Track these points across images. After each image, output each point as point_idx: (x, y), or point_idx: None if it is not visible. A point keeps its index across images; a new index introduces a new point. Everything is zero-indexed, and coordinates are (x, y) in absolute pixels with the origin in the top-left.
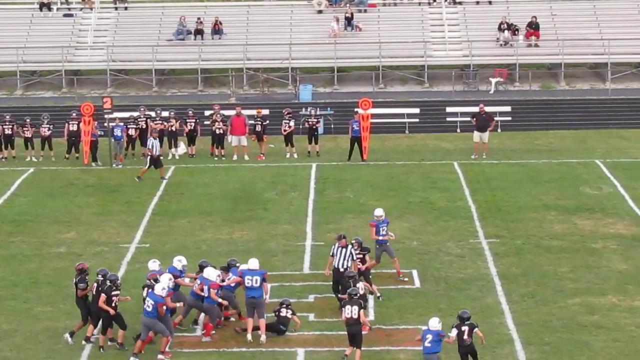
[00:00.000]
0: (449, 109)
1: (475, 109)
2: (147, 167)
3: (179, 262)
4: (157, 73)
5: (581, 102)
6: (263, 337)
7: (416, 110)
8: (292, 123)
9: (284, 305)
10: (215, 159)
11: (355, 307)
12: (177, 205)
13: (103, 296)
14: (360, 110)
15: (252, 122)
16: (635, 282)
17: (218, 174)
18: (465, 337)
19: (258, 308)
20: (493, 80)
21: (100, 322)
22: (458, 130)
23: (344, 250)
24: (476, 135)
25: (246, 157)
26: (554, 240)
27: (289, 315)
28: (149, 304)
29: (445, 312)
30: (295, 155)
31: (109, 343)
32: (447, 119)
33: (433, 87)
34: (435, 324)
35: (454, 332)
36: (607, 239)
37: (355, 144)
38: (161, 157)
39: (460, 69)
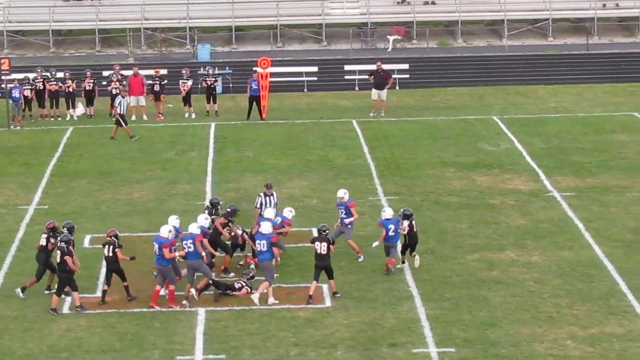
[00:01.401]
0: (347, 67)
1: (373, 67)
2: (125, 125)
3: (177, 219)
4: (54, 34)
5: (478, 59)
6: (271, 300)
7: (314, 69)
8: (190, 83)
9: (244, 280)
10: (114, 119)
11: (324, 243)
12: (75, 166)
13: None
14: (259, 69)
15: (150, 82)
16: (532, 238)
17: (117, 134)
18: (415, 230)
19: (264, 271)
20: (391, 38)
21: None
22: (356, 89)
23: (271, 198)
24: (374, 93)
25: (145, 117)
26: (452, 197)
27: (236, 286)
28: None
29: (345, 270)
30: (194, 115)
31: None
32: (346, 77)
33: (331, 46)
34: (392, 212)
35: (406, 223)
36: (505, 195)
37: (254, 103)
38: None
39: (358, 27)
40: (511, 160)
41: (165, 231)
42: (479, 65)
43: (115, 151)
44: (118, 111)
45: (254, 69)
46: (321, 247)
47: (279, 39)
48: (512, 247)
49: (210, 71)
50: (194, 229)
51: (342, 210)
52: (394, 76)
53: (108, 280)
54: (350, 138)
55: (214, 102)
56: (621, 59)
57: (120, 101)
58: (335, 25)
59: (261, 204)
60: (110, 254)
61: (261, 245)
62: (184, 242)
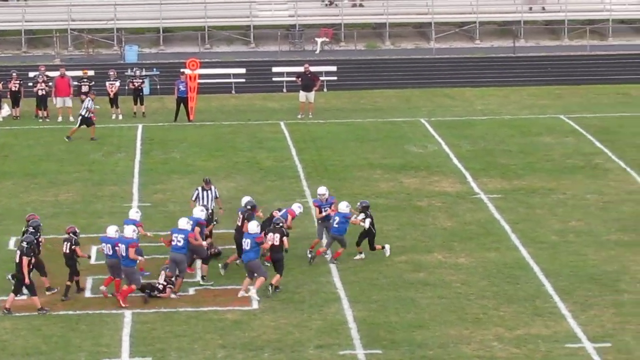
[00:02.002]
0: (275, 69)
1: (301, 69)
2: (78, 126)
3: (137, 213)
4: None
5: (406, 61)
6: (253, 291)
7: (242, 71)
8: (117, 84)
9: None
10: (40, 120)
11: (278, 235)
12: (1, 167)
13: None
14: (187, 71)
15: (77, 83)
16: (460, 239)
17: (43, 135)
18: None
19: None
20: (319, 40)
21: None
22: (284, 90)
23: (208, 192)
24: (302, 95)
25: (71, 119)
26: (380, 199)
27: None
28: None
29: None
30: (121, 117)
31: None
32: (274, 79)
33: (259, 47)
34: (343, 207)
35: (362, 216)
36: (433, 197)
37: (182, 104)
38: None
39: (286, 29)
40: (438, 163)
41: (130, 231)
42: (406, 68)
43: (42, 152)
44: (83, 113)
45: (182, 70)
46: (274, 239)
47: (207, 41)
48: (440, 249)
49: (138, 72)
50: (184, 224)
51: (327, 208)
52: (321, 78)
53: (70, 276)
54: (278, 140)
55: (141, 104)
56: (547, 62)
57: (89, 102)
58: (263, 27)
59: (197, 197)
60: (68, 251)
61: (246, 244)
62: (174, 235)
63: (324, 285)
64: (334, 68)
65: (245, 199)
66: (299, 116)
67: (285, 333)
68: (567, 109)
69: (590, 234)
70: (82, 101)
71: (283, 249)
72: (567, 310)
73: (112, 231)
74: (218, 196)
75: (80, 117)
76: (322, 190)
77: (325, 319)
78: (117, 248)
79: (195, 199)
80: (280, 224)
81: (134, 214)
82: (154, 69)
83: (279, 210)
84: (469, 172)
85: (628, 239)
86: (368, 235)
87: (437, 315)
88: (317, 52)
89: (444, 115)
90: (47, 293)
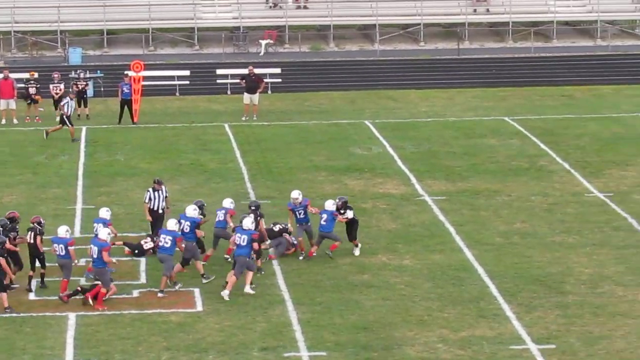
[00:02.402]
0: (219, 71)
1: (245, 71)
2: (71, 125)
3: (107, 212)
4: None
5: (351, 63)
6: (247, 288)
7: (186, 73)
8: (62, 86)
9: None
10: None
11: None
12: None
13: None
14: (131, 73)
15: (24, 84)
16: (404, 241)
17: None
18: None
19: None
20: (263, 42)
21: None
22: (228, 92)
23: (159, 193)
24: (246, 97)
25: (15, 121)
26: (324, 201)
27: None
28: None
29: (217, 274)
30: None
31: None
32: (218, 81)
33: (203, 50)
34: (330, 205)
35: (350, 214)
36: (377, 199)
37: (125, 106)
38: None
39: (230, 31)
40: (383, 164)
41: (104, 234)
42: (351, 70)
43: None
44: (65, 111)
45: (126, 72)
46: (241, 240)
47: (151, 43)
48: (384, 250)
49: (82, 75)
50: (172, 225)
51: (301, 211)
52: (266, 80)
53: (32, 266)
54: (222, 142)
55: (85, 106)
56: (492, 64)
57: (67, 102)
58: (207, 29)
59: (150, 199)
60: (32, 240)
61: (241, 240)
62: (162, 236)
63: (268, 288)
64: (278, 70)
65: (251, 201)
66: (243, 118)
67: (229, 335)
68: (512, 111)
69: (534, 235)
70: (29, 103)
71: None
72: (512, 312)
73: (62, 231)
74: (167, 195)
75: (66, 117)
76: (295, 194)
77: (269, 321)
78: (88, 248)
79: (148, 200)
80: (252, 207)
81: (105, 212)
82: (98, 71)
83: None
84: (413, 174)
85: (572, 240)
86: (353, 225)
87: (382, 317)
88: (262, 54)
89: (388, 117)
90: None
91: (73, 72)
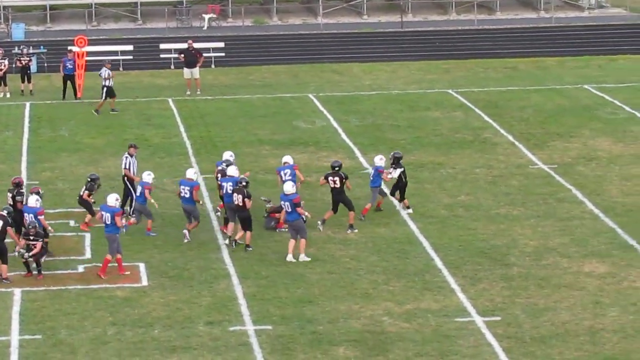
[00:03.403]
0: (162, 46)
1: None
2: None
3: (149, 175)
4: None
5: (294, 37)
6: (302, 256)
7: (130, 47)
8: (6, 62)
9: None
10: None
11: (240, 196)
12: None
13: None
14: (75, 48)
15: None
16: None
17: None
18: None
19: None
20: (206, 17)
21: None
22: (172, 67)
23: (135, 158)
24: (186, 71)
25: None
26: (269, 175)
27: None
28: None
29: (161, 248)
30: (8, 95)
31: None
32: (161, 56)
33: (146, 24)
34: (377, 160)
35: (397, 172)
36: (321, 173)
37: (69, 81)
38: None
39: (173, 5)
40: (327, 138)
41: (113, 199)
42: (294, 43)
43: None
44: (105, 83)
45: (69, 47)
46: (237, 199)
47: (94, 18)
48: (329, 224)
49: (25, 50)
50: (112, 201)
51: (287, 172)
52: (209, 55)
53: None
54: (166, 117)
55: (29, 82)
56: (435, 37)
57: (106, 72)
58: (150, 4)
59: (130, 164)
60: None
61: (286, 206)
62: (102, 212)
63: (213, 262)
64: (221, 44)
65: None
66: (187, 93)
67: (174, 310)
68: (455, 84)
69: (479, 208)
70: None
71: (247, 209)
72: (457, 285)
73: (32, 201)
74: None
75: (104, 89)
76: (286, 158)
77: (214, 296)
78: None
79: (129, 166)
80: (244, 183)
81: (146, 176)
82: (41, 47)
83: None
84: (357, 148)
85: (517, 212)
86: (399, 186)
87: (327, 290)
88: (205, 28)
89: (332, 90)
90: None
91: (16, 48)
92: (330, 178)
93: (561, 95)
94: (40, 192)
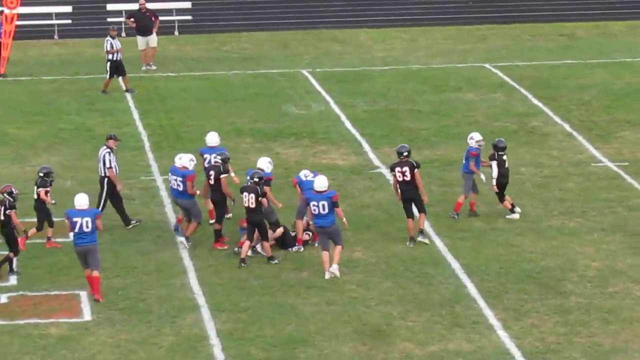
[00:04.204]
0: (110, 6)
1: (136, 6)
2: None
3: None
4: None
5: None
6: (335, 267)
7: (68, 9)
8: None
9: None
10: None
11: (252, 195)
12: None
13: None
14: (5, 10)
15: None
16: (355, 228)
17: None
18: (507, 165)
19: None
20: None
21: None
22: (123, 34)
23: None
24: (140, 40)
25: None
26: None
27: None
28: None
29: (109, 272)
30: None
31: None
32: (109, 20)
33: None
34: (476, 139)
35: (494, 166)
36: (320, 172)
37: None
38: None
39: None
40: (326, 128)
41: (187, 160)
42: (283, 4)
43: None
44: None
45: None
46: (249, 200)
47: None
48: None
49: None
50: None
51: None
52: (172, 18)
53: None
54: (116, 100)
55: None
56: None
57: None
58: None
59: (112, 161)
60: (2, 217)
61: (320, 207)
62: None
63: (178, 290)
64: (187, 4)
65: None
66: (143, 68)
67: (126, 352)
68: (494, 56)
69: (525, 218)
70: None
71: (262, 211)
72: (496, 319)
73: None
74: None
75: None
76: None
77: (179, 334)
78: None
79: (111, 164)
80: (257, 179)
81: (185, 161)
82: None
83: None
84: (366, 140)
85: (574, 224)
86: (498, 180)
87: (325, 327)
88: None
89: (332, 65)
90: None
91: None
92: (397, 169)
93: (632, 71)
94: (14, 192)
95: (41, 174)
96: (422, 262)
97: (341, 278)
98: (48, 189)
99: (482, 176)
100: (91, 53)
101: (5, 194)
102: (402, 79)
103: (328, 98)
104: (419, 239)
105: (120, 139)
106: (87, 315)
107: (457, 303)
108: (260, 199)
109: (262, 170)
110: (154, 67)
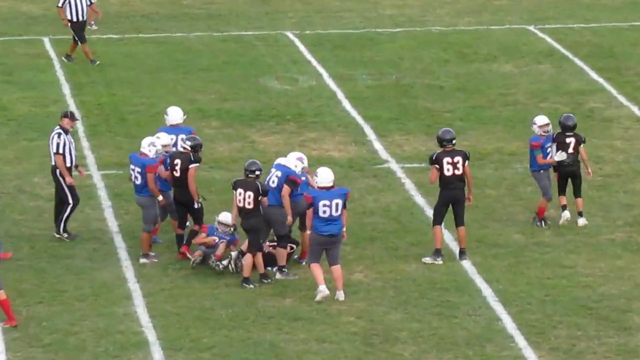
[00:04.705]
0: None
1: None
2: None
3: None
4: None
5: None
6: (341, 294)
7: None
8: None
9: None
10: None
11: (250, 192)
12: None
13: None
14: None
15: None
16: (354, 240)
17: None
18: (571, 150)
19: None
20: None
21: None
22: None
23: (67, 136)
24: None
25: None
26: (216, 171)
27: None
28: None
29: (30, 297)
30: None
31: None
32: None
33: None
34: (540, 122)
35: (562, 156)
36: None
37: None
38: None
39: None
40: (317, 109)
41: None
42: None
43: None
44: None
45: None
46: (245, 199)
47: None
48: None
49: None
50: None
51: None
52: None
53: None
54: (40, 69)
55: None
56: None
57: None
58: None
59: (64, 146)
60: None
61: (333, 207)
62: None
63: (120, 320)
64: None
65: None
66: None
67: None
68: (540, 15)
69: (579, 230)
70: None
71: (260, 212)
72: None
73: None
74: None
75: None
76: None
77: None
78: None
79: (62, 150)
80: (257, 172)
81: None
82: None
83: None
84: (370, 125)
85: None
86: (571, 178)
87: None
88: None
89: (327, 26)
90: None
91: None
92: (447, 160)
93: None
94: None
95: None
96: (443, 288)
97: (336, 308)
98: None
99: (562, 154)
100: (9, 7)
101: None
102: (418, 45)
103: (320, 69)
104: (464, 260)
105: (78, 118)
106: (1, 354)
107: (489, 341)
108: (260, 198)
109: (288, 167)
110: (94, 27)
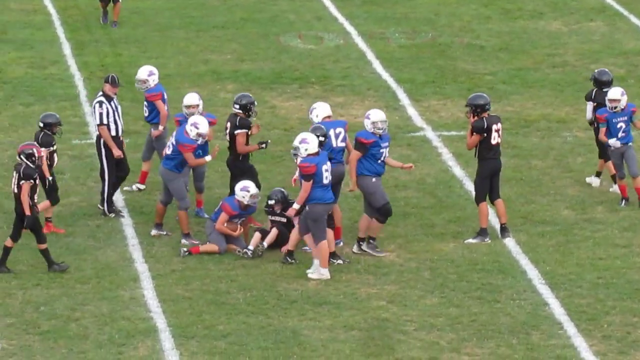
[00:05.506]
0: None
1: None
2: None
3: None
4: None
5: None
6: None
7: None
8: None
9: None
10: None
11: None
12: None
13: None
14: None
15: None
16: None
17: None
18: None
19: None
20: None
21: None
22: None
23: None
24: None
25: None
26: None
27: None
28: None
29: (27, 279)
30: None
31: None
32: None
33: None
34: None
35: (589, 111)
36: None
37: None
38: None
39: None
40: (345, 70)
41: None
42: None
43: None
44: None
45: None
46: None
47: None
48: (348, 234)
49: None
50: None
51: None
52: None
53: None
54: (36, 26)
55: None
56: None
57: None
58: None
59: (107, 115)
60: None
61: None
62: None
63: (126, 305)
64: None
65: None
66: None
67: None
68: None
69: (635, 206)
70: None
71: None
72: (591, 351)
73: None
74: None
75: None
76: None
77: None
78: None
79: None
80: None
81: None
82: None
83: None
84: (403, 88)
85: None
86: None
87: (343, 358)
88: None
89: None
90: None
91: None
92: (495, 127)
93: None
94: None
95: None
96: (485, 269)
97: (365, 291)
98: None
99: (617, 142)
100: None
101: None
102: (456, 0)
103: (348, 27)
104: (507, 239)
105: (122, 83)
106: None
107: (535, 328)
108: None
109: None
110: None
